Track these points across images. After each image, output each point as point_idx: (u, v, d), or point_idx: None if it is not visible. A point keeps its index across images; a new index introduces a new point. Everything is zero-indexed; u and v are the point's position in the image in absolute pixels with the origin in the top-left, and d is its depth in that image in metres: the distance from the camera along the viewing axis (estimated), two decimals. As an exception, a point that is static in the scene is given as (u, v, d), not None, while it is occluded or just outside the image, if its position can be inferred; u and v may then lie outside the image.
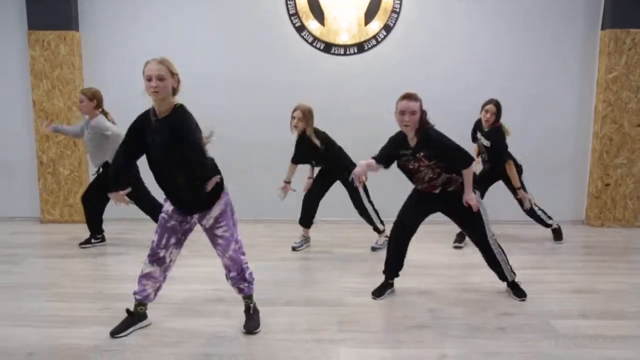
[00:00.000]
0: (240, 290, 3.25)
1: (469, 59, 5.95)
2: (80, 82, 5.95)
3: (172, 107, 2.89)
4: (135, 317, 3.20)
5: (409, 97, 3.43)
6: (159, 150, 2.88)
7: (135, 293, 3.20)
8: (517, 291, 3.76)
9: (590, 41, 5.93)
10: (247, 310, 3.30)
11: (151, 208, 4.79)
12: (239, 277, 3.18)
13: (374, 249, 4.99)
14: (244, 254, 3.21)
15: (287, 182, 4.88)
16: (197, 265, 4.41)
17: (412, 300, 3.71)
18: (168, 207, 3.10)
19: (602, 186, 5.98)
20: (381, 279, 3.86)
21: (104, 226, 5.22)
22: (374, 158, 3.67)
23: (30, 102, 6.00)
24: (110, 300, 3.66)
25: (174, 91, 2.91)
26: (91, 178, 5.30)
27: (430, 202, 3.70)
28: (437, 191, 3.61)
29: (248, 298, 3.29)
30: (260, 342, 3.04)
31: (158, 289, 3.24)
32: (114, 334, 3.10)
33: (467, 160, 3.49)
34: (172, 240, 3.12)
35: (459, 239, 5.11)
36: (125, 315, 3.18)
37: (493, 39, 5.93)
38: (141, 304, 3.22)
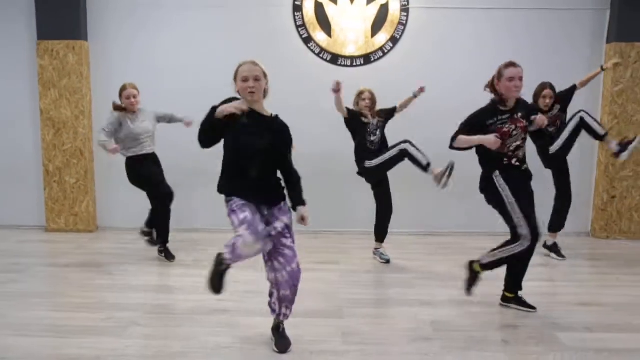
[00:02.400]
0: (282, 315, 3.04)
1: (475, 70, 5.93)
2: (87, 91, 6.00)
3: (269, 113, 2.94)
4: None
5: (514, 64, 3.59)
6: (265, 142, 2.83)
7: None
8: (523, 304, 3.73)
9: (596, 55, 5.94)
10: (277, 329, 3.11)
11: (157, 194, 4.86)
12: (292, 296, 2.97)
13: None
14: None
15: None
16: (202, 276, 4.39)
17: (415, 312, 3.68)
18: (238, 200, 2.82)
19: (608, 198, 5.95)
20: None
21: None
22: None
23: (38, 111, 6.05)
24: (113, 310, 3.65)
25: (265, 93, 2.93)
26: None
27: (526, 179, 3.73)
28: (523, 167, 3.67)
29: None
30: (263, 353, 3.03)
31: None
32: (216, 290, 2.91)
33: None
34: (260, 221, 2.79)
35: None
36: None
37: (498, 50, 5.93)
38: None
